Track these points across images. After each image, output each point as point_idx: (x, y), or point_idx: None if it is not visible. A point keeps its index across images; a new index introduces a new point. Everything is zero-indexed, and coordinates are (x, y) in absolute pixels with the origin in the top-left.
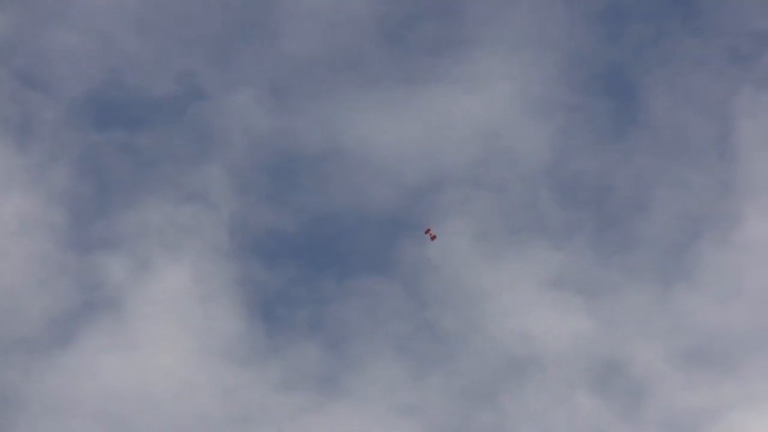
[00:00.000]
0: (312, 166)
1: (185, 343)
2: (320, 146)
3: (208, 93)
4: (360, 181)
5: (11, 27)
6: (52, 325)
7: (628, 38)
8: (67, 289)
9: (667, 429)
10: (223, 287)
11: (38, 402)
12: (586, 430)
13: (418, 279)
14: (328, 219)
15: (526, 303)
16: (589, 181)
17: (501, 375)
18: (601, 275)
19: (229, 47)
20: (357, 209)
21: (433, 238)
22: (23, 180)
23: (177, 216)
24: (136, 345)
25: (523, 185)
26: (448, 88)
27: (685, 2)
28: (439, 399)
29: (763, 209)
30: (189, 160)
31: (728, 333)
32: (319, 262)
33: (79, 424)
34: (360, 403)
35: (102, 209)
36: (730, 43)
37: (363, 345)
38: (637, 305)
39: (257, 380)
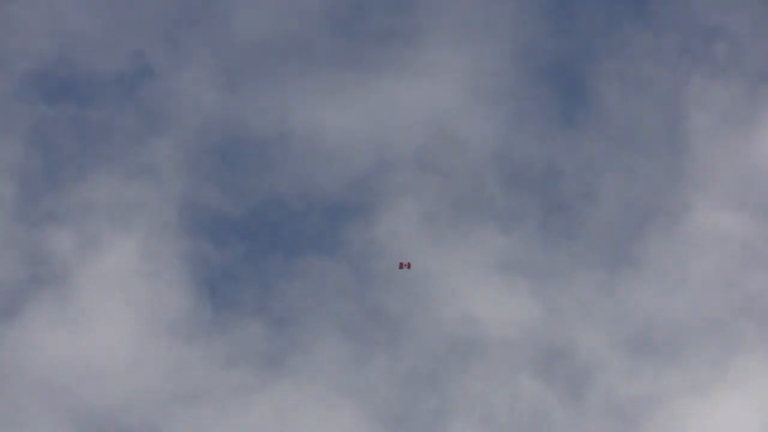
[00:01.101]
0: (260, 149)
1: (131, 318)
2: (269, 129)
3: (159, 72)
4: (308, 164)
5: None
6: None
7: (579, 28)
8: (13, 262)
9: (610, 415)
10: (170, 264)
11: None
12: (529, 414)
13: (365, 261)
14: (276, 200)
15: (472, 287)
16: (537, 168)
17: (445, 358)
18: (548, 261)
19: (181, 28)
20: (305, 192)
21: (407, 266)
22: None
23: (125, 191)
24: (82, 319)
25: (470, 170)
26: (398, 75)
27: None
28: (383, 381)
29: (712, 200)
30: (138, 136)
31: (673, 322)
32: (267, 242)
33: (23, 396)
34: (304, 382)
35: (50, 183)
36: (680, 34)
37: (308, 325)
38: (583, 292)
39: (202, 357)
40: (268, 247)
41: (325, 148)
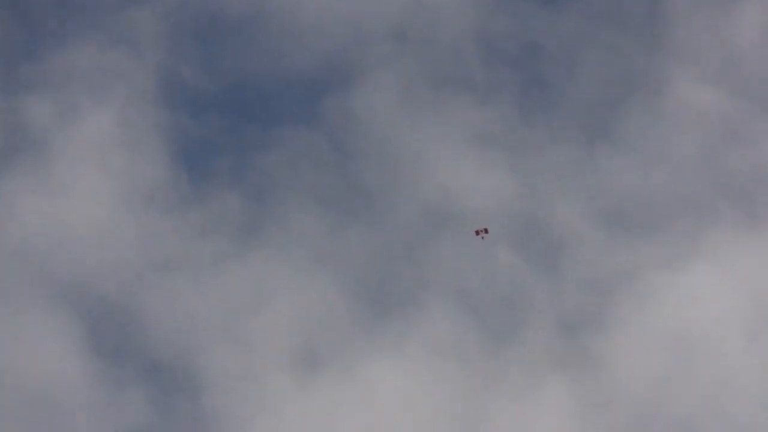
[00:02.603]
0: (238, 24)
1: (108, 187)
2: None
3: None
4: (286, 38)
5: None
6: None
7: None
8: None
9: (585, 288)
10: (147, 134)
11: None
12: (505, 286)
13: (342, 133)
14: (253, 74)
15: (450, 160)
16: (516, 42)
17: (421, 231)
18: (526, 135)
19: None
20: (282, 66)
21: (483, 232)
22: None
23: (104, 61)
24: (59, 188)
25: (449, 45)
26: None
27: None
28: (358, 253)
29: (692, 76)
30: (118, 6)
31: (649, 196)
32: (244, 115)
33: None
34: (279, 252)
35: (28, 52)
36: None
37: (284, 196)
38: (561, 165)
39: (178, 227)
40: (245, 120)
41: (302, 22)
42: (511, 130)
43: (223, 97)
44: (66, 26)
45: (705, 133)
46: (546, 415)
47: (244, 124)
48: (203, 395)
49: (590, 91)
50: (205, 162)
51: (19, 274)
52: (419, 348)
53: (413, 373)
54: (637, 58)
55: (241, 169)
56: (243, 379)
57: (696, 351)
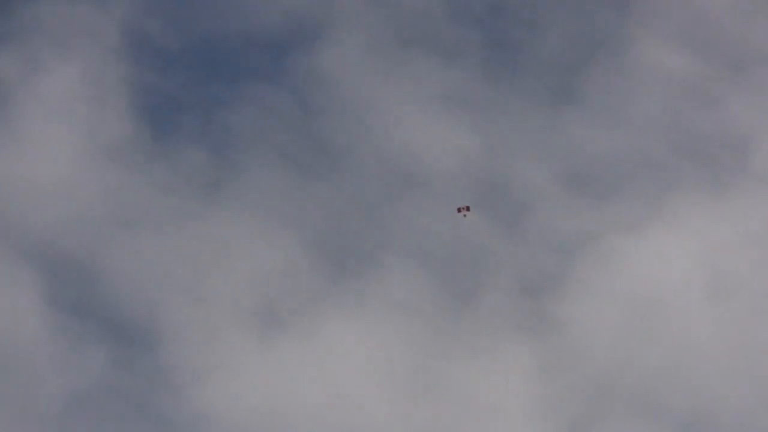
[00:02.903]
0: None
1: (72, 142)
2: None
3: None
4: None
5: None
6: None
7: None
8: None
9: (547, 249)
10: (112, 89)
11: None
12: (467, 246)
13: (307, 90)
14: (218, 31)
15: (414, 119)
16: (482, 1)
17: (385, 190)
18: (490, 95)
19: None
20: (248, 22)
21: (465, 210)
22: None
23: (69, 15)
24: (21, 142)
25: (415, 3)
26: None
27: None
28: (321, 210)
29: (658, 35)
30: None
31: (613, 158)
32: (210, 70)
33: None
34: (242, 210)
35: None
36: None
37: (248, 153)
38: (524, 126)
39: (141, 183)
40: (210, 76)
41: None
42: (476, 90)
43: (189, 53)
44: None
45: (670, 95)
46: (505, 376)
47: (209, 80)
48: (164, 351)
49: (556, 52)
50: (169, 118)
51: None
52: (380, 307)
53: (374, 332)
54: (602, 19)
55: (206, 125)
56: (204, 335)
57: (656, 314)
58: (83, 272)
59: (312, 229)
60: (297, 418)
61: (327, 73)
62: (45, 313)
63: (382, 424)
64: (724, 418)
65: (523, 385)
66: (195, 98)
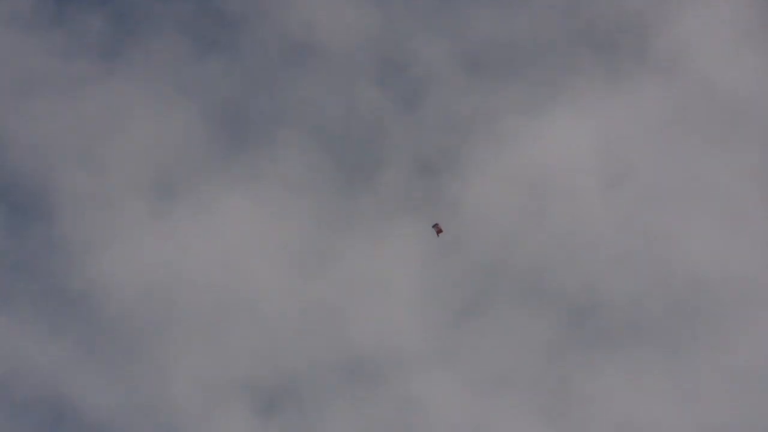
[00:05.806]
0: None
1: None
2: None
3: None
4: None
5: None
6: None
7: None
8: None
9: (443, 129)
10: None
11: None
12: (363, 124)
13: None
14: None
15: None
16: None
17: (283, 63)
18: None
19: None
20: None
21: (439, 231)
22: None
23: None
24: None
25: None
26: None
27: None
28: (219, 81)
29: None
30: None
31: (513, 40)
32: None
33: None
34: (140, 78)
35: None
36: None
37: (148, 21)
38: (426, 5)
39: (38, 47)
40: None
41: None
42: None
43: None
44: None
45: None
46: (398, 255)
47: None
48: (57, 220)
49: None
50: None
51: None
52: (275, 183)
53: (267, 209)
54: None
55: None
56: (98, 205)
57: (550, 197)
58: None
59: (210, 101)
60: (189, 288)
61: None
62: None
63: (274, 296)
64: (615, 303)
65: (416, 264)
66: None
